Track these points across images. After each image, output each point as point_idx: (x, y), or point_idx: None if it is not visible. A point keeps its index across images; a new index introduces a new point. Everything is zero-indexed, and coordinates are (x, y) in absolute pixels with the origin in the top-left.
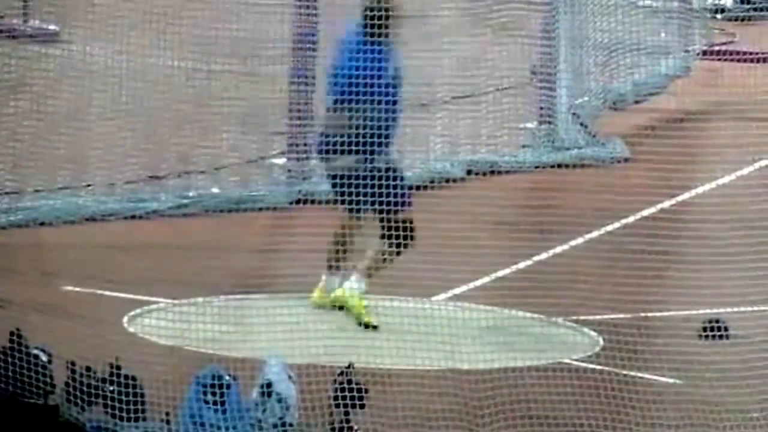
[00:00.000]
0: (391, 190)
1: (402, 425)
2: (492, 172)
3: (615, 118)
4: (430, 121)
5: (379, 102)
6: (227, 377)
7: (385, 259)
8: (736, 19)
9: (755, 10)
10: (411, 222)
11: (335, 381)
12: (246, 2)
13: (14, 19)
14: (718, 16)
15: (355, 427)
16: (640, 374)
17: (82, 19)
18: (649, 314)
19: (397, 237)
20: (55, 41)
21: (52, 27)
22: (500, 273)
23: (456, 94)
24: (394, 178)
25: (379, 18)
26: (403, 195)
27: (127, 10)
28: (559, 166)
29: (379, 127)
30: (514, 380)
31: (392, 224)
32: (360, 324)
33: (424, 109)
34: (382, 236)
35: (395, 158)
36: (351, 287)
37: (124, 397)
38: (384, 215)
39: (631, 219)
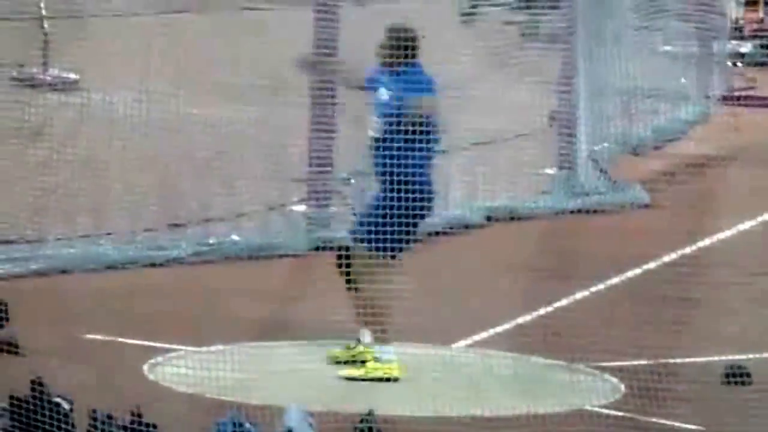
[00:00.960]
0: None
1: None
2: (511, 218)
3: (635, 164)
4: (450, 167)
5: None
6: (248, 425)
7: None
8: (756, 65)
9: None
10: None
11: (355, 428)
12: (266, 49)
13: (34, 68)
14: (738, 62)
15: None
16: (662, 420)
17: (101, 68)
18: (671, 360)
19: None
20: (74, 89)
21: (71, 75)
22: (521, 319)
23: (475, 140)
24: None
25: (392, 49)
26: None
27: (147, 58)
28: (579, 211)
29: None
30: (535, 427)
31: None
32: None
33: (444, 155)
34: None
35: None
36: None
37: None
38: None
39: (652, 265)
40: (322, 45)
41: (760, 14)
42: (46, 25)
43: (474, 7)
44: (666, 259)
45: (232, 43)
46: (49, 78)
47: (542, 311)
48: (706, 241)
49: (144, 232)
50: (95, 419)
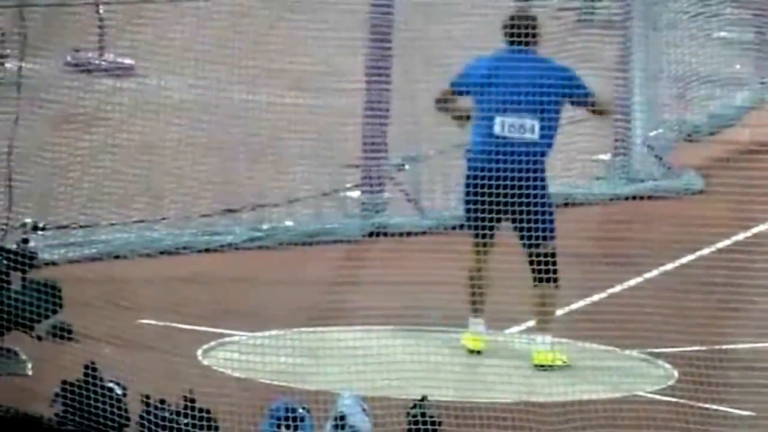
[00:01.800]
0: (540, 222)
1: None
2: (566, 204)
3: (689, 150)
4: None
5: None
6: (301, 410)
7: (547, 301)
8: None
9: None
10: (554, 255)
11: (409, 414)
12: (319, 36)
13: (89, 52)
14: None
15: None
16: (715, 406)
17: (157, 53)
18: (724, 346)
19: (546, 272)
20: (130, 75)
21: (126, 61)
22: (574, 305)
23: None
24: (543, 209)
25: (521, 28)
26: (550, 226)
27: (202, 44)
28: (634, 197)
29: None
30: (588, 413)
31: (539, 259)
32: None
33: None
34: (534, 279)
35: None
36: (540, 348)
37: (198, 430)
38: (531, 249)
39: (706, 251)
40: (377, 29)
41: None
42: (101, 10)
43: None
44: (720, 245)
45: (286, 28)
46: (104, 63)
47: (595, 297)
48: (761, 228)
49: (199, 217)
50: (148, 404)
